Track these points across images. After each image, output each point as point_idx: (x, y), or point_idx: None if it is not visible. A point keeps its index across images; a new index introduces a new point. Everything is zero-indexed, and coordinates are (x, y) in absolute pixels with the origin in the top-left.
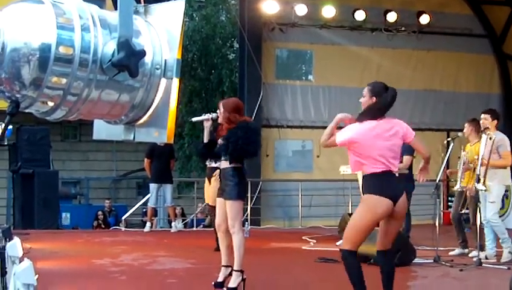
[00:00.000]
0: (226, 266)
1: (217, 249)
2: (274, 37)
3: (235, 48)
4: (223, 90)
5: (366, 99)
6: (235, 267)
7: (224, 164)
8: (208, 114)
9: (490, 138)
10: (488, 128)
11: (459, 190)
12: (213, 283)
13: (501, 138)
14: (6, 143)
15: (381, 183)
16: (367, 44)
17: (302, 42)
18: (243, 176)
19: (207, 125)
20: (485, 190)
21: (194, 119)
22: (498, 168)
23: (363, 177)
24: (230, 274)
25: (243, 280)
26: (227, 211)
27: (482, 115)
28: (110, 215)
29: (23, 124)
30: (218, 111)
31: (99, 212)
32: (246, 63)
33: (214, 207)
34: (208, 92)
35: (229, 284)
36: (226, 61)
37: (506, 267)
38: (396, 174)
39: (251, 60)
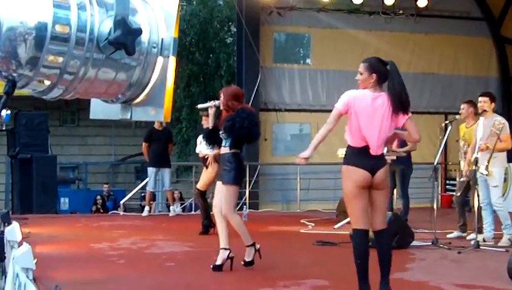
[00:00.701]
0: (224, 249)
1: (202, 232)
2: (272, 20)
3: (232, 32)
4: (221, 74)
5: (365, 77)
6: (246, 244)
7: (224, 149)
8: (212, 101)
9: (499, 123)
10: (486, 111)
11: (465, 180)
12: (211, 266)
13: (501, 121)
14: (4, 128)
15: (359, 156)
16: (365, 27)
17: (300, 26)
18: (240, 161)
19: (211, 112)
20: (487, 175)
21: (200, 106)
22: (498, 151)
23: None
24: (228, 257)
25: (257, 250)
26: (222, 195)
27: (480, 98)
28: (109, 199)
29: (21, 110)
30: (220, 98)
31: (98, 197)
32: (243, 47)
33: (203, 191)
34: (206, 76)
35: (245, 258)
36: (223, 45)
37: (504, 250)
38: (394, 157)
39: (249, 43)
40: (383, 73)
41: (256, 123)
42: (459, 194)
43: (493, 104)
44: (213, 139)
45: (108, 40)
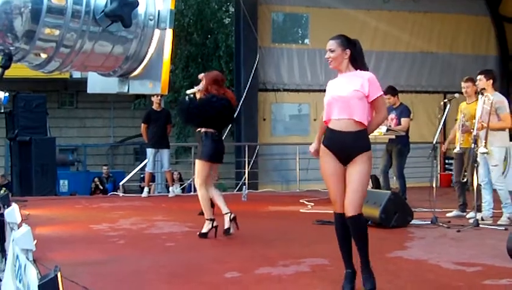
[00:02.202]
0: (210, 220)
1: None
2: (270, 0)
3: (230, 12)
4: (219, 54)
5: (338, 53)
6: (206, 217)
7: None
8: (198, 86)
9: (489, 99)
10: (484, 89)
11: (460, 152)
12: (198, 233)
13: (499, 99)
14: (2, 111)
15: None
16: (363, 7)
17: (298, 5)
18: (213, 140)
19: (197, 96)
20: (487, 153)
21: (188, 91)
22: (497, 130)
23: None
24: (213, 226)
25: (215, 227)
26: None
27: (478, 76)
28: (108, 181)
29: (20, 92)
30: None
31: (96, 179)
32: (241, 27)
33: None
34: (204, 57)
35: (202, 230)
36: (221, 26)
37: (503, 228)
38: (393, 136)
39: (247, 24)
40: (353, 51)
41: (217, 107)
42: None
43: (490, 80)
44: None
45: (104, 13)
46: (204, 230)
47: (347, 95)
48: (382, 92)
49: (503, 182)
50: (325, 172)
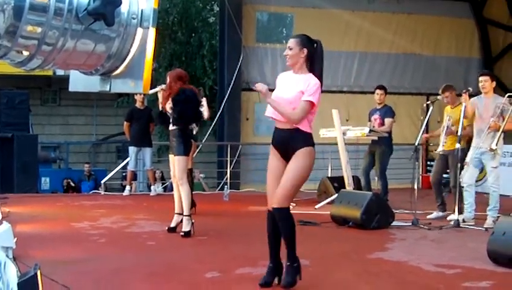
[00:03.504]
0: (178, 214)
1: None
2: (255, 0)
3: (215, 11)
4: (203, 53)
5: (295, 52)
6: (184, 213)
7: (171, 126)
8: (161, 86)
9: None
10: (467, 90)
11: (441, 153)
12: (166, 228)
13: (503, 101)
14: None
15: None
16: (348, 7)
17: (282, 5)
18: (188, 135)
19: (160, 95)
20: (494, 152)
21: (151, 91)
22: (504, 132)
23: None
24: (181, 221)
25: (192, 223)
26: (175, 166)
27: (481, 77)
28: (90, 179)
29: (3, 88)
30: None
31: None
32: (226, 26)
33: (191, 169)
34: (188, 56)
35: (182, 229)
36: (206, 25)
37: (484, 229)
38: (376, 137)
39: (231, 23)
40: (312, 51)
41: (187, 109)
42: (435, 171)
43: (494, 82)
44: (162, 119)
45: (87, 11)
46: (185, 229)
47: (289, 97)
48: (311, 102)
49: (499, 185)
50: (267, 169)
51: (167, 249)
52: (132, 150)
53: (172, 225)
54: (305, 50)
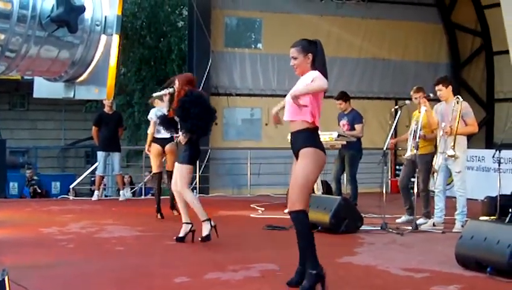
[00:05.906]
0: (187, 223)
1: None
2: (223, 4)
3: (184, 16)
4: (172, 58)
5: (300, 60)
6: (201, 219)
7: (180, 134)
8: (166, 89)
9: (457, 102)
10: (427, 97)
11: (409, 158)
12: (175, 238)
13: (465, 105)
14: None
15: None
16: (316, 12)
17: (251, 10)
18: (194, 144)
19: (165, 99)
20: (454, 157)
21: (155, 94)
22: (464, 135)
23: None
24: (191, 230)
25: (214, 226)
26: (177, 173)
27: (436, 87)
28: (29, 185)
29: None
30: (174, 86)
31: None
32: (194, 31)
33: (159, 173)
34: (157, 60)
35: (202, 234)
36: (175, 29)
37: (440, 231)
38: (344, 142)
39: (200, 27)
40: (315, 53)
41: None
42: (403, 176)
43: (449, 87)
44: (169, 125)
45: (50, 18)
46: (181, 234)
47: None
48: (321, 76)
49: (465, 188)
50: None
51: (136, 254)
52: (101, 154)
53: (181, 234)
54: (310, 55)
